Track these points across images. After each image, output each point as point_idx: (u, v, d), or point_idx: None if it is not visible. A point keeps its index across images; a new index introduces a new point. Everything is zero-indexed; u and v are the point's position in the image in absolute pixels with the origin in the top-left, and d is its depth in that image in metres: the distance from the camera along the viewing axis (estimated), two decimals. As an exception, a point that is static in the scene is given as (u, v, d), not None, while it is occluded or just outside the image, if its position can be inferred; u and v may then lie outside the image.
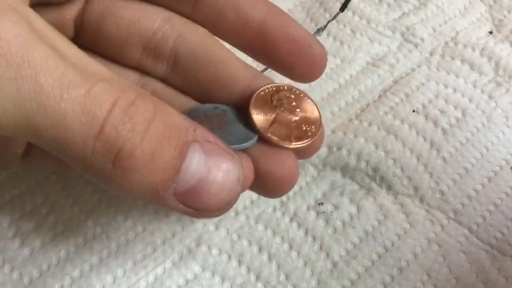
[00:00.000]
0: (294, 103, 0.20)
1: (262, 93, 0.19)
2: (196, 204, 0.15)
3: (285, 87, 0.20)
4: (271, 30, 0.20)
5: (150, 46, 0.20)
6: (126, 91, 0.14)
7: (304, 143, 0.19)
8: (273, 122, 0.19)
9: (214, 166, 0.15)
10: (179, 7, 0.20)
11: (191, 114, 0.19)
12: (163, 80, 0.21)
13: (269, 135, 0.19)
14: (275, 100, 0.19)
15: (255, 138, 0.19)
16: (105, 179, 0.14)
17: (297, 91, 0.20)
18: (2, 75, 0.12)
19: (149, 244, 0.24)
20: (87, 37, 0.20)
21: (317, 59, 0.20)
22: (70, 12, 0.20)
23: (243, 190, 0.17)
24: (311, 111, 0.20)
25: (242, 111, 0.19)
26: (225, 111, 0.20)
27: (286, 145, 0.19)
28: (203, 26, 0.20)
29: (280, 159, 0.19)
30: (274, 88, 0.20)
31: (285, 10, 0.21)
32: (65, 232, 0.24)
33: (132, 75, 0.21)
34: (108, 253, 0.24)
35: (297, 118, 0.19)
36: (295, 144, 0.19)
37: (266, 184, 0.19)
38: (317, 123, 0.19)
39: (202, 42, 0.20)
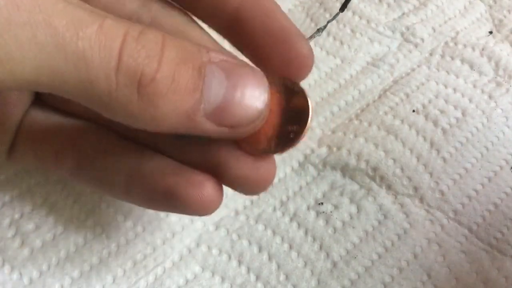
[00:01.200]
0: (283, 98, 0.17)
1: None
2: (230, 119, 0.15)
3: (274, 78, 0.17)
4: (247, 15, 0.18)
5: None
6: (133, 24, 0.14)
7: (283, 150, 0.17)
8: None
9: (235, 80, 0.15)
10: None
11: None
12: None
13: (247, 149, 0.17)
14: None
15: None
16: (134, 112, 0.14)
17: (287, 82, 0.17)
18: (15, 21, 0.13)
19: (149, 244, 0.24)
20: None
21: (295, 57, 0.17)
22: None
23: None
24: (300, 108, 0.17)
25: None
26: None
27: (265, 155, 0.17)
28: (181, 5, 0.19)
29: (256, 165, 0.18)
30: None
31: (285, 10, 0.20)
32: (65, 232, 0.24)
33: None
34: (108, 253, 0.24)
35: (283, 116, 0.17)
36: (274, 151, 0.17)
37: (242, 187, 0.18)
38: (303, 121, 0.17)
39: (175, 28, 0.19)
